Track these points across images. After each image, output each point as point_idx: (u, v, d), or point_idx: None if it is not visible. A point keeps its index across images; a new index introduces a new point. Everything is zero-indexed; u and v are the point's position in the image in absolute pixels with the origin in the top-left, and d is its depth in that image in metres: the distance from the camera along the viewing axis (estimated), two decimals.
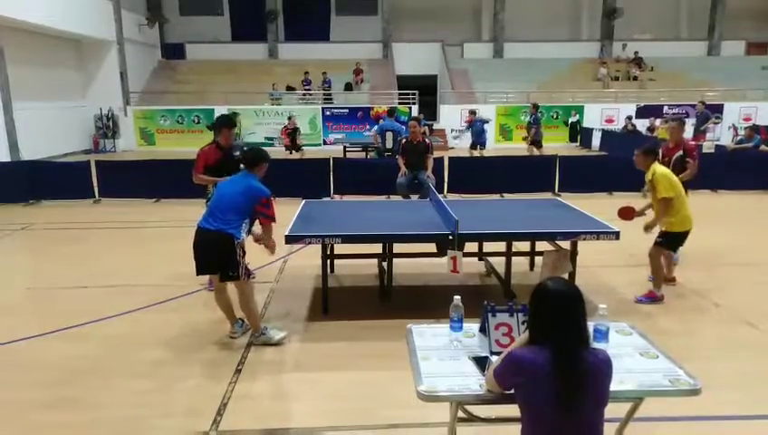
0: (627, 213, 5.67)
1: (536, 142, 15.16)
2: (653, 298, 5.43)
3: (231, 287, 4.59)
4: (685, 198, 5.44)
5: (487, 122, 16.51)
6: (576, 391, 2.10)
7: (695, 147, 6.50)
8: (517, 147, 18.27)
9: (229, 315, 4.73)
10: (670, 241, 5.45)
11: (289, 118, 17.29)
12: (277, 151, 19.24)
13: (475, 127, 15.97)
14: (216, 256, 4.41)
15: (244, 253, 4.47)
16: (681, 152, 6.38)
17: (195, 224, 4.51)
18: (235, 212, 4.39)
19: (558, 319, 2.17)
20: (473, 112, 16.55)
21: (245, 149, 5.78)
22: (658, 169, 5.40)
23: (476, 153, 15.31)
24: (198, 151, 5.71)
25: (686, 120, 8.75)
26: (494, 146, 20.43)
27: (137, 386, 4.05)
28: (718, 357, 4.34)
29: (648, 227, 5.52)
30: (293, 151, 15.66)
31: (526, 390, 2.19)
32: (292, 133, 16.08)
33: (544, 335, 2.19)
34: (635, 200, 6.69)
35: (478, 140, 15.87)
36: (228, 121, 5.89)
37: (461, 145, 18.76)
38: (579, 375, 2.11)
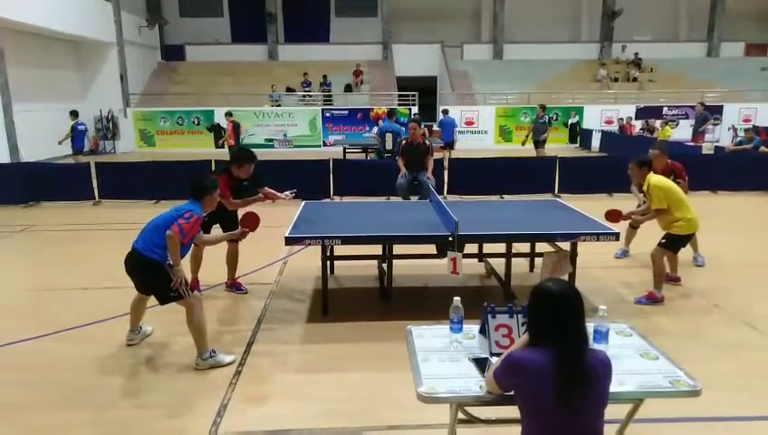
0: (614, 216, 5.69)
1: (540, 143, 15.24)
2: (653, 299, 5.42)
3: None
4: (686, 203, 5.44)
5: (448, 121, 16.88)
6: (576, 393, 2.10)
7: (682, 167, 6.42)
8: (517, 148, 18.29)
9: (133, 319, 4.63)
10: (674, 243, 5.46)
11: (228, 114, 16.79)
12: (276, 152, 19.32)
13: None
14: (145, 281, 4.24)
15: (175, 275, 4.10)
16: (672, 176, 6.21)
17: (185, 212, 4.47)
18: (156, 229, 4.13)
19: (557, 320, 2.17)
20: (445, 112, 17.06)
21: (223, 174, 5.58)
22: (653, 179, 5.42)
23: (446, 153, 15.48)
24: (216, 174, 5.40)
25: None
26: (494, 147, 20.46)
27: (137, 387, 4.05)
28: (718, 358, 4.34)
29: (634, 220, 5.80)
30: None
31: (526, 391, 2.19)
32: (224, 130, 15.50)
33: (544, 337, 2.20)
34: (634, 201, 6.72)
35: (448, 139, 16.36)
36: (252, 158, 5.58)
37: (461, 147, 18.80)
38: (579, 377, 2.11)
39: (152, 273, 4.13)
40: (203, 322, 4.24)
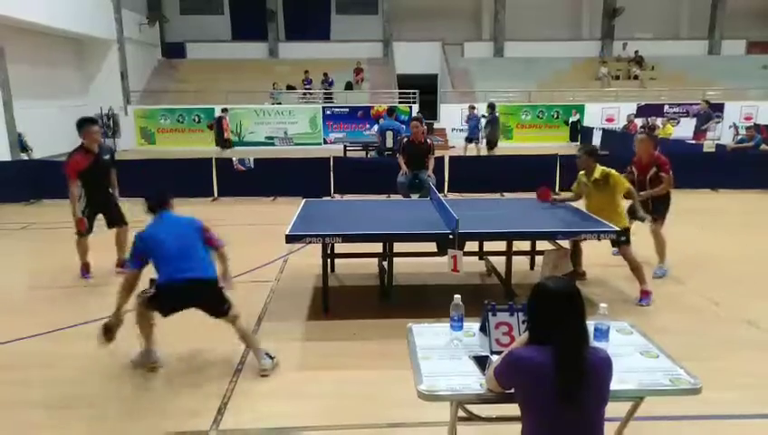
0: (544, 194, 6.02)
1: (491, 142, 15.47)
2: (648, 294, 5.42)
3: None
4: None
5: (481, 117, 16.94)
6: (576, 391, 2.10)
7: (667, 161, 6.07)
8: (518, 146, 18.29)
9: (145, 337, 4.33)
10: (627, 234, 5.46)
11: (224, 109, 16.82)
12: (277, 150, 19.30)
13: (471, 122, 16.73)
14: (207, 302, 4.12)
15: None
16: (654, 169, 6.02)
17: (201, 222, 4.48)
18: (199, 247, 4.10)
19: (558, 318, 2.17)
20: (472, 107, 17.09)
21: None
22: (605, 169, 5.48)
23: (471, 146, 16.25)
24: (67, 159, 5.81)
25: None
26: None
27: (136, 385, 4.06)
28: (718, 356, 4.34)
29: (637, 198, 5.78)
30: (222, 148, 15.34)
31: (526, 389, 2.19)
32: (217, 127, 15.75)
33: (544, 334, 2.19)
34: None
35: (471, 134, 16.62)
36: (89, 119, 5.97)
37: (461, 143, 18.79)
38: (579, 374, 2.11)
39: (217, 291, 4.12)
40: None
